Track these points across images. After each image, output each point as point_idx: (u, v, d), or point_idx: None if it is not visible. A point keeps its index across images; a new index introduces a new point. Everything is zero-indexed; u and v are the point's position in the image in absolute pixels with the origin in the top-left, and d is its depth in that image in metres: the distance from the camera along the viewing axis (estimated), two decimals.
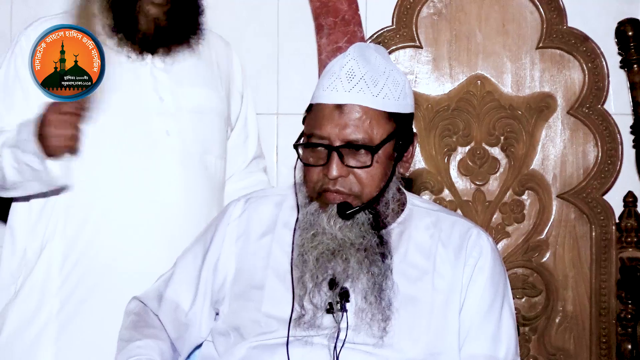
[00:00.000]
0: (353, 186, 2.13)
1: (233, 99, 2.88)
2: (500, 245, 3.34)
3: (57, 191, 2.63)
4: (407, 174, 2.24)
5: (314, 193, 2.16)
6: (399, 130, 2.17)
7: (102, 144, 2.62)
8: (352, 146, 2.12)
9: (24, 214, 2.70)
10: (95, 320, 2.60)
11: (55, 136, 2.48)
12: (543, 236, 3.36)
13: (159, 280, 2.39)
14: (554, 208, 3.36)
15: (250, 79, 3.40)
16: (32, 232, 2.68)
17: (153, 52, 2.67)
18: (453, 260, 2.20)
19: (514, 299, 3.24)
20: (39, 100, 2.48)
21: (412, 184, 3.30)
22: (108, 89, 2.52)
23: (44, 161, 2.51)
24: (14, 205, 2.74)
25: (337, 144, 2.12)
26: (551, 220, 3.36)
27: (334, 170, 2.11)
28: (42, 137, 2.48)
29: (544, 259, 3.35)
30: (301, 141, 2.18)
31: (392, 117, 2.16)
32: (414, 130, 2.23)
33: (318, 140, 2.14)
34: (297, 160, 2.21)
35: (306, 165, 2.17)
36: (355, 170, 2.13)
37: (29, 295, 2.64)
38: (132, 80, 2.66)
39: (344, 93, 2.13)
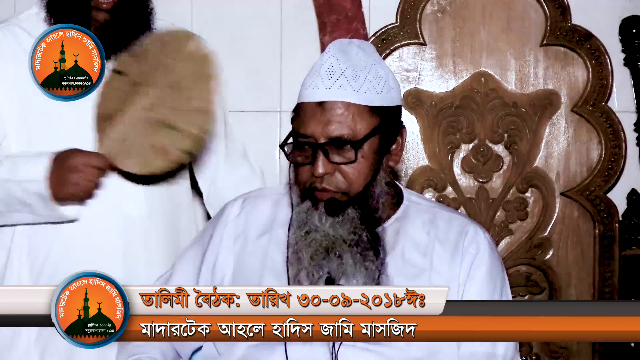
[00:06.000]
0: (340, 183, 2.13)
1: None
2: (504, 242, 3.34)
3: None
4: (397, 166, 2.25)
5: (304, 192, 2.16)
6: (384, 123, 2.17)
7: None
8: (336, 142, 2.12)
9: None
10: None
11: (77, 185, 2.48)
12: (546, 234, 3.35)
13: (158, 281, 2.38)
14: (558, 206, 3.35)
15: (254, 75, 3.42)
16: None
17: (107, 57, 2.57)
18: (450, 257, 2.20)
19: (517, 296, 3.26)
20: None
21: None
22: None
23: (50, 204, 2.51)
24: None
25: (322, 141, 2.12)
26: (554, 218, 3.35)
27: (320, 167, 2.11)
28: (58, 180, 2.49)
29: (547, 257, 3.35)
30: (288, 141, 2.19)
31: (375, 111, 2.15)
32: (403, 123, 2.23)
33: (303, 139, 2.14)
34: (290, 160, 2.22)
35: (295, 165, 2.17)
36: (342, 166, 2.12)
37: None
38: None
39: (324, 90, 2.14)
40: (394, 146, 2.20)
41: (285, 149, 2.18)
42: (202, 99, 2.48)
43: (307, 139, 2.13)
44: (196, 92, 2.49)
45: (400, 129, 2.21)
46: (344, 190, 2.13)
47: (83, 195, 2.53)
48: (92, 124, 2.52)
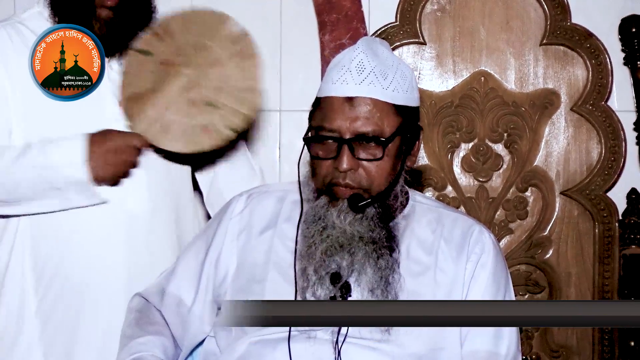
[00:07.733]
0: (362, 180, 2.13)
1: None
2: (504, 242, 3.34)
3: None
4: (413, 167, 2.25)
5: (323, 187, 2.16)
6: (407, 123, 2.17)
7: None
8: (363, 139, 2.12)
9: None
10: (79, 338, 2.60)
11: (119, 165, 2.52)
12: (546, 233, 3.35)
13: (161, 276, 2.39)
14: (557, 205, 3.35)
15: None
16: None
17: (109, 55, 2.59)
18: (455, 256, 2.20)
19: (517, 295, 3.26)
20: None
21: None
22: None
23: (86, 187, 2.52)
24: None
25: (348, 136, 2.12)
26: (554, 217, 3.35)
27: (345, 162, 2.11)
28: (98, 162, 2.50)
29: (547, 256, 3.35)
30: (309, 135, 2.18)
31: (400, 110, 2.16)
32: (421, 125, 2.24)
33: (328, 133, 2.14)
34: (300, 155, 2.21)
35: (315, 159, 2.17)
36: (365, 163, 2.13)
37: (6, 319, 2.62)
38: None
39: (354, 86, 2.14)
40: (413, 147, 2.21)
41: (309, 143, 2.17)
42: (247, 77, 2.54)
43: (331, 134, 2.13)
44: (240, 71, 2.54)
45: (419, 130, 2.21)
46: (365, 187, 2.13)
47: (123, 176, 2.56)
48: (117, 102, 2.55)
